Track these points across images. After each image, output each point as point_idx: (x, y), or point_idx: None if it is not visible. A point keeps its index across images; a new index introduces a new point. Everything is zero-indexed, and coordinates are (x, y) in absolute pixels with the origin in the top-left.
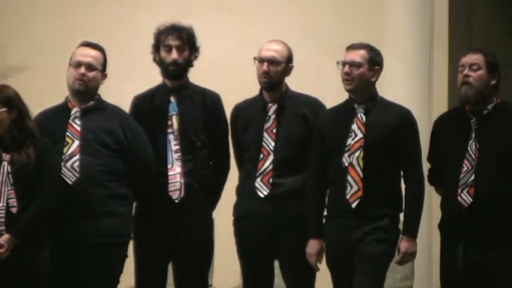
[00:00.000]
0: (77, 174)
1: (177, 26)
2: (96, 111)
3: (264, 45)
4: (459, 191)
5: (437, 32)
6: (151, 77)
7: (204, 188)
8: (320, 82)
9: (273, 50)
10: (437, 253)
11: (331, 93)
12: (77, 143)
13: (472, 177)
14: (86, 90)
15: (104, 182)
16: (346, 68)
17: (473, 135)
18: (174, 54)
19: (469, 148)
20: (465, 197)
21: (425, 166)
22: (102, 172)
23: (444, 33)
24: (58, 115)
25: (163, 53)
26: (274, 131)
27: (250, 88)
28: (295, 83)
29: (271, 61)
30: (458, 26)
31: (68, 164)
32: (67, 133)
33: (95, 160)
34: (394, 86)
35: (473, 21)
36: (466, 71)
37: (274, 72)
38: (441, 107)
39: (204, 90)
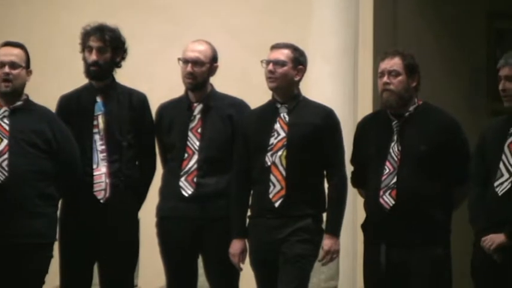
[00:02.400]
0: (6, 173)
1: (101, 27)
2: (24, 111)
3: (188, 45)
4: (381, 193)
5: (362, 32)
6: (75, 77)
7: (130, 188)
8: (245, 82)
9: (197, 51)
10: (361, 253)
11: (256, 93)
12: (5, 142)
13: (394, 180)
14: (12, 91)
15: (31, 182)
16: (270, 66)
17: (395, 137)
18: (94, 56)
19: (391, 150)
20: (387, 199)
21: (350, 168)
22: (30, 172)
23: (369, 34)
24: None
25: (86, 54)
26: (199, 130)
27: (176, 88)
28: (220, 82)
29: (195, 62)
30: (383, 27)
31: None
32: None
33: (23, 160)
34: (319, 87)
35: (398, 21)
36: (386, 78)
37: (199, 73)
38: (366, 107)
39: (130, 91)
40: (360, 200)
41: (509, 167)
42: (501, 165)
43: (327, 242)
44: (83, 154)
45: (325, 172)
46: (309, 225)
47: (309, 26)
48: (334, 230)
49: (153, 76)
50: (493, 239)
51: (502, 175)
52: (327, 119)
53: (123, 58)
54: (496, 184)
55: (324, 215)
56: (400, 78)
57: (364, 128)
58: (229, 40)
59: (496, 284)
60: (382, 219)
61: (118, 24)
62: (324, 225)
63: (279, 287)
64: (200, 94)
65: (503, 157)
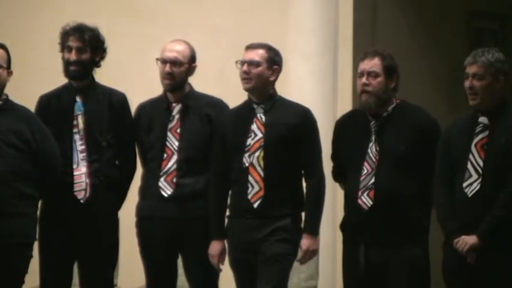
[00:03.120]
0: None
1: (80, 27)
2: (4, 111)
3: (166, 45)
4: (359, 193)
5: (342, 32)
6: (55, 77)
7: (110, 188)
8: (223, 82)
9: (176, 51)
10: (341, 253)
11: (235, 93)
12: None
13: (372, 180)
14: None
15: (10, 183)
16: (245, 67)
17: (373, 137)
18: (73, 56)
19: (369, 151)
20: (365, 200)
21: (330, 165)
22: (9, 172)
23: (348, 33)
24: None
25: (65, 54)
26: (178, 130)
27: (156, 88)
28: (198, 82)
29: (174, 62)
30: (362, 26)
31: None
32: None
33: (2, 160)
34: (299, 87)
35: (378, 21)
36: (365, 80)
37: (177, 73)
38: (346, 107)
39: (110, 90)
40: (340, 199)
41: (478, 167)
42: (469, 166)
43: (305, 242)
44: (63, 154)
45: (303, 171)
46: (287, 225)
47: (288, 25)
48: (313, 229)
49: (133, 76)
50: (466, 241)
51: (471, 176)
52: (303, 118)
53: (102, 58)
54: (464, 185)
55: (303, 214)
56: (379, 79)
57: (342, 127)
58: (208, 40)
59: (468, 286)
60: (361, 220)
61: (97, 24)
62: (302, 225)
63: (258, 286)
64: (179, 94)
65: (471, 157)
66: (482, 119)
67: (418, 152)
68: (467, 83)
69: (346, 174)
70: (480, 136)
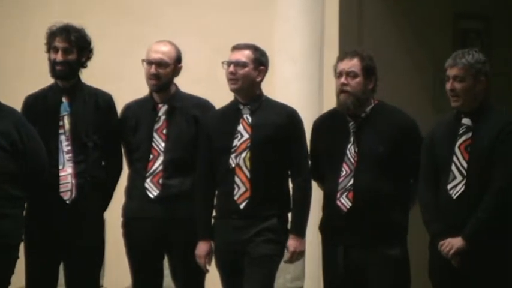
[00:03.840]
0: None
1: (66, 28)
2: None
3: (152, 46)
4: (338, 195)
5: (328, 33)
6: (40, 77)
7: (96, 188)
8: (211, 83)
9: (161, 52)
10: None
11: (223, 93)
12: None
13: (351, 181)
14: None
15: None
16: (231, 68)
17: (351, 138)
18: (60, 56)
19: (347, 152)
20: (344, 201)
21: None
22: None
23: (334, 34)
24: None
25: (51, 54)
26: (165, 131)
27: (142, 88)
28: (187, 83)
29: (159, 63)
30: (348, 28)
31: None
32: None
33: None
34: (285, 88)
35: (364, 22)
36: (343, 79)
37: (163, 74)
38: (331, 108)
39: (96, 91)
40: None
41: (462, 169)
42: (453, 167)
43: (291, 243)
44: (49, 155)
45: (289, 172)
46: (274, 225)
47: (274, 26)
48: (299, 230)
49: (120, 76)
50: (452, 244)
51: (455, 177)
52: (290, 119)
53: (88, 58)
54: (449, 187)
55: (290, 215)
56: (357, 79)
57: (320, 127)
58: (197, 41)
59: (453, 286)
60: (340, 221)
61: (84, 24)
62: (289, 225)
63: (244, 287)
64: (165, 95)
65: (455, 159)
66: (466, 121)
67: (397, 153)
68: (448, 85)
69: (324, 174)
70: (464, 138)
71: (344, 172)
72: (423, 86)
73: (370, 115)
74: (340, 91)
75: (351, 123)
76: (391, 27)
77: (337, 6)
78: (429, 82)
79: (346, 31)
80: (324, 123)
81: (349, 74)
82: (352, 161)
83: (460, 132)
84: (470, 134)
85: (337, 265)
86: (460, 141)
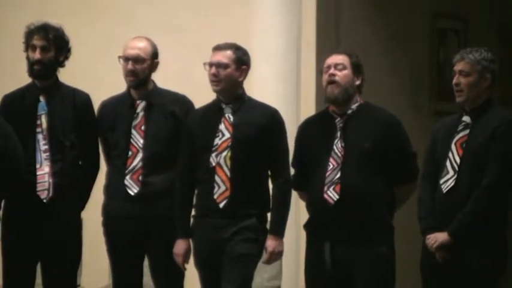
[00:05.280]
0: None
1: (44, 26)
2: None
3: (128, 43)
4: (325, 188)
5: (305, 33)
6: (18, 76)
7: (73, 187)
8: (187, 82)
9: (137, 48)
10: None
11: (200, 92)
12: None
13: (338, 175)
14: None
15: None
16: (213, 70)
17: (338, 134)
18: (38, 54)
19: (334, 147)
20: (331, 194)
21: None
22: None
23: (311, 34)
24: None
25: (29, 53)
26: (143, 128)
27: (120, 87)
28: (162, 82)
29: (136, 59)
30: (325, 27)
31: None
32: None
33: None
34: (262, 88)
35: (341, 22)
36: (332, 71)
37: (140, 70)
38: (309, 108)
39: (73, 90)
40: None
41: (454, 164)
42: (447, 163)
43: (270, 243)
44: (26, 154)
45: (269, 172)
46: (253, 225)
47: (251, 26)
48: (278, 230)
49: (97, 76)
50: (437, 237)
51: (448, 172)
52: (271, 119)
53: (66, 57)
54: (441, 181)
55: (269, 215)
56: (346, 72)
57: (307, 129)
58: (172, 40)
59: (444, 283)
60: (326, 215)
61: (61, 23)
62: (268, 225)
63: (222, 286)
64: (142, 91)
65: (450, 154)
66: (465, 118)
67: (382, 150)
68: (454, 80)
69: (310, 174)
70: (461, 134)
71: (331, 166)
72: (400, 85)
73: (356, 112)
74: (328, 82)
75: (337, 120)
76: (368, 28)
77: (315, 6)
78: (407, 81)
79: (324, 31)
80: (309, 124)
81: (338, 67)
82: (339, 155)
83: (459, 129)
84: (467, 131)
85: (324, 262)
86: (457, 137)
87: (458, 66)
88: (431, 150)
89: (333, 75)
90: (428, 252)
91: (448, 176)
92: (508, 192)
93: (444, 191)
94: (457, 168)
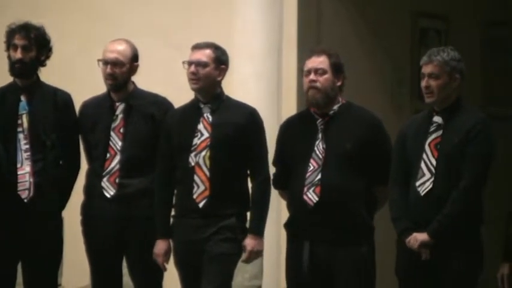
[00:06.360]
0: None
1: (26, 26)
2: None
3: (107, 46)
4: (305, 189)
5: (286, 32)
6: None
7: (54, 187)
8: (170, 82)
9: (116, 51)
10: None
11: (182, 92)
12: None
13: (319, 176)
14: None
15: None
16: (192, 68)
17: (319, 135)
18: (19, 54)
19: (315, 148)
20: (311, 196)
21: (272, 170)
22: None
23: (293, 33)
24: None
25: (11, 52)
26: (122, 130)
27: (101, 87)
28: (145, 82)
29: (115, 63)
30: (307, 26)
31: None
32: None
33: None
34: (243, 87)
35: (323, 21)
36: (312, 76)
37: (119, 74)
38: (290, 107)
39: (55, 90)
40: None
41: (431, 167)
42: (422, 165)
43: (249, 242)
44: (7, 153)
45: (248, 171)
46: (232, 224)
47: (233, 25)
48: (257, 229)
49: (80, 76)
50: (416, 237)
51: (424, 175)
52: (250, 118)
53: (48, 57)
54: (417, 184)
55: (248, 214)
56: (326, 76)
57: (288, 128)
58: (155, 39)
59: (420, 283)
60: (306, 217)
61: (43, 23)
62: (248, 224)
63: (202, 285)
64: (122, 93)
65: (424, 156)
66: (437, 119)
67: (363, 151)
68: (423, 83)
69: (290, 175)
70: (434, 135)
71: (312, 167)
72: (381, 85)
73: (338, 113)
74: (309, 88)
75: (318, 121)
76: (350, 26)
77: (296, 4)
78: (387, 80)
79: (305, 30)
80: (291, 124)
81: (318, 71)
82: (320, 156)
83: (431, 130)
84: (440, 132)
85: (302, 262)
86: (430, 138)
87: (427, 69)
88: (400, 151)
89: (314, 81)
90: (404, 253)
91: (425, 179)
92: (482, 192)
93: (422, 194)
94: (433, 171)
